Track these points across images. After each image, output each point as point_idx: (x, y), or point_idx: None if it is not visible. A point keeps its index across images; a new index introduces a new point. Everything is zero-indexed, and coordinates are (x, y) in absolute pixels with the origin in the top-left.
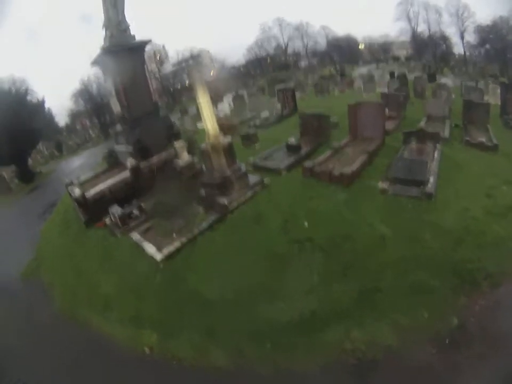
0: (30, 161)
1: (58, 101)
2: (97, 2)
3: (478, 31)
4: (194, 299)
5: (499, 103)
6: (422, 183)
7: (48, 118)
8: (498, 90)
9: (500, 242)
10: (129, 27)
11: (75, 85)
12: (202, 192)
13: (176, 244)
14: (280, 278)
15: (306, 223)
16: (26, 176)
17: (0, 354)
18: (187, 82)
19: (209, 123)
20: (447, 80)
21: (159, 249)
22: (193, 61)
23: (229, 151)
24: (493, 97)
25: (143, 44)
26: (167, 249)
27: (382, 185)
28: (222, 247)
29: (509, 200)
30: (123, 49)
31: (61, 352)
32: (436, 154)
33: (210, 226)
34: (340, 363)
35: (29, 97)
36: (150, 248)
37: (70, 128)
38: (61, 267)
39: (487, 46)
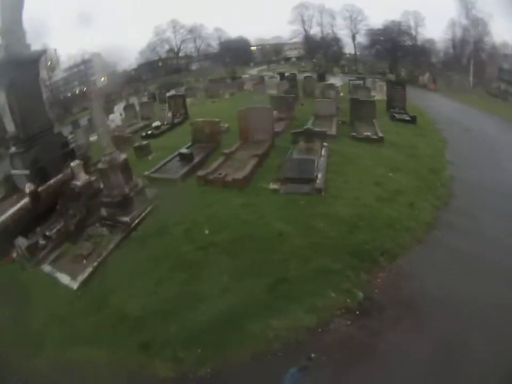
0: None
1: None
2: None
3: (370, 34)
4: (120, 318)
5: (385, 99)
6: (311, 180)
7: None
8: (385, 88)
9: (393, 223)
10: (25, 34)
11: None
12: (104, 211)
13: (89, 270)
14: (195, 283)
15: (207, 231)
16: None
17: None
18: (77, 90)
19: (104, 141)
20: (335, 79)
21: (74, 277)
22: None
23: (125, 168)
24: (380, 93)
25: (39, 55)
26: (82, 276)
27: (273, 186)
28: (134, 264)
29: (396, 185)
30: (17, 61)
31: None
32: (323, 152)
33: (117, 246)
34: (268, 350)
35: None
36: (64, 278)
37: None
38: None
39: (378, 46)
